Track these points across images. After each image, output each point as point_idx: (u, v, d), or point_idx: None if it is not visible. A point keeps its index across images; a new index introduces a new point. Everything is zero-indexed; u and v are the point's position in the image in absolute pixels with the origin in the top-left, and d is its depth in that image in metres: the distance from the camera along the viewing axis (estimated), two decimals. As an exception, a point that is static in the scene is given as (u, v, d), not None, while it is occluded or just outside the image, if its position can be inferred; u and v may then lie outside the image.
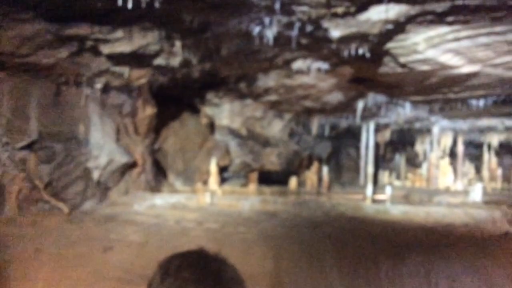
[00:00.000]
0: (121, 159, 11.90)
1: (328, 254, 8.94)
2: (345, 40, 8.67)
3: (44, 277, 7.47)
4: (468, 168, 21.68)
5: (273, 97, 14.22)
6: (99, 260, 8.15)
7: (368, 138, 17.55)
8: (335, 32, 8.31)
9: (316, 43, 9.24)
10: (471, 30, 8.25)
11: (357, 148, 19.14)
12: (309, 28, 8.28)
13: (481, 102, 13.46)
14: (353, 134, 19.24)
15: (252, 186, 15.61)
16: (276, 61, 10.85)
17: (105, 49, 9.37)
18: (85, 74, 10.46)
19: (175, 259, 1.07)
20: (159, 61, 10.29)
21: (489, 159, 21.15)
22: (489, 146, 20.75)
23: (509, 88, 11.63)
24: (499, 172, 21.36)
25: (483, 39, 8.60)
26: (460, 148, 20.04)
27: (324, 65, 10.88)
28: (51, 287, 7.31)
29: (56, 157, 10.42)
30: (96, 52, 9.52)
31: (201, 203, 12.36)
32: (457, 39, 8.67)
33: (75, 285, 7.33)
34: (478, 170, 21.92)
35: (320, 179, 17.59)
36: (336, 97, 13.95)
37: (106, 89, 11.63)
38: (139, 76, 11.21)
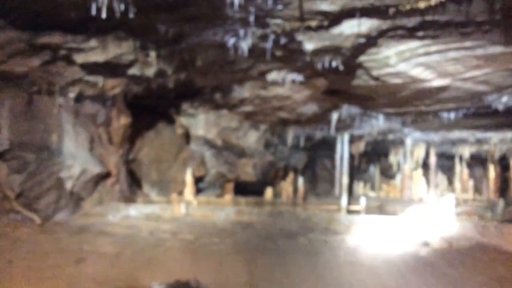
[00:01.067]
0: (95, 169, 11.78)
1: (303, 265, 8.98)
2: (318, 52, 8.80)
3: (14, 290, 7.31)
4: (440, 179, 22.06)
5: (248, 108, 14.27)
6: (72, 271, 8.02)
7: (343, 149, 17.73)
8: (309, 44, 8.44)
9: (290, 55, 9.34)
10: (441, 45, 8.48)
11: (332, 159, 19.30)
12: (283, 40, 8.38)
13: (452, 115, 13.75)
14: (328, 145, 19.41)
15: (228, 197, 15.58)
16: (251, 72, 10.92)
17: (79, 58, 9.31)
18: (58, 83, 10.37)
19: None
20: (133, 71, 10.26)
21: (461, 171, 21.57)
22: (461, 158, 21.17)
23: (479, 101, 11.93)
24: (470, 183, 21.79)
25: (453, 54, 8.84)
26: (433, 159, 20.40)
27: (299, 77, 11.00)
28: (21, 300, 7.16)
29: (28, 167, 10.26)
30: (69, 61, 9.45)
31: (176, 213, 12.29)
32: (427, 53, 8.89)
33: (45, 298, 7.19)
34: (450, 181, 22.33)
35: (295, 189, 17.66)
36: (311, 109, 14.08)
37: (79, 98, 11.53)
38: (113, 86, 11.15)
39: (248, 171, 16.36)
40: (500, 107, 12.04)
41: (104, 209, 11.81)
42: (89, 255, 8.65)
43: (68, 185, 11.10)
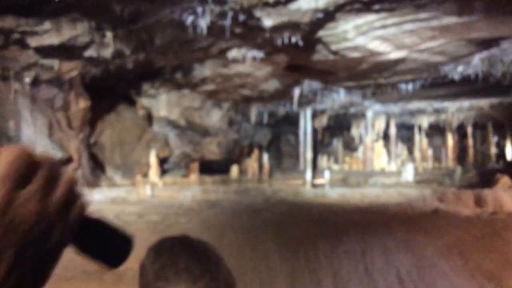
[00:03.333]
0: (56, 154, 11.54)
1: (269, 239, 9.13)
2: (277, 29, 8.82)
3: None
4: (401, 149, 22.65)
5: (210, 87, 14.22)
6: (36, 259, 7.91)
7: (306, 124, 17.93)
8: (268, 21, 8.44)
9: (249, 32, 9.33)
10: (397, 18, 8.63)
11: (296, 135, 19.51)
12: (242, 17, 8.35)
13: (410, 86, 14.07)
14: (292, 121, 19.58)
15: (194, 177, 15.59)
16: (211, 50, 10.86)
17: (33, 41, 9.04)
18: (12, 68, 10.06)
19: (166, 241, 1.15)
20: (90, 52, 10.04)
21: (420, 141, 22.19)
22: (420, 128, 21.76)
23: (435, 72, 12.24)
24: (430, 152, 22.47)
25: (409, 26, 9.02)
26: (393, 130, 20.89)
27: (259, 54, 11.01)
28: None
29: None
30: (23, 45, 9.16)
31: (142, 196, 12.24)
32: (384, 26, 9.04)
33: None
34: (410, 151, 22.95)
35: (261, 166, 17.83)
36: (272, 85, 14.14)
37: (36, 83, 11.21)
38: (70, 69, 10.89)
39: (212, 150, 16.38)
40: (456, 77, 12.39)
41: (68, 195, 11.63)
42: (54, 241, 8.54)
43: (29, 172, 10.87)
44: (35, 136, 11.13)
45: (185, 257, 1.08)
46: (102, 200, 11.60)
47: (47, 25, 8.52)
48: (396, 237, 9.41)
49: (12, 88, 10.63)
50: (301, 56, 11.02)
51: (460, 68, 11.90)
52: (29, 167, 0.45)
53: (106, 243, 0.55)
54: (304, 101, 16.09)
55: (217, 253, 1.15)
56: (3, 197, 0.43)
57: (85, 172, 12.92)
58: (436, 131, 23.10)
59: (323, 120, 19.47)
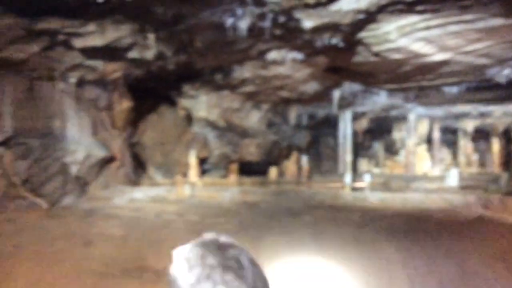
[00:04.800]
0: (99, 153, 11.85)
1: (307, 243, 9.06)
2: (318, 30, 8.76)
3: (24, 274, 7.43)
4: (444, 154, 22.05)
5: (249, 88, 14.26)
6: (80, 255, 8.13)
7: (346, 127, 17.72)
8: (308, 22, 8.39)
9: (289, 34, 9.30)
10: (441, 19, 8.42)
11: (336, 137, 19.30)
12: (281, 19, 8.34)
13: (455, 89, 13.69)
14: (331, 123, 19.39)
15: (232, 177, 15.67)
16: (250, 52, 10.88)
17: (78, 43, 9.30)
18: (58, 68, 10.38)
19: (195, 249, 1.10)
20: (133, 54, 10.25)
21: (465, 145, 21.55)
22: (465, 132, 21.13)
23: (480, 75, 11.87)
24: (474, 157, 21.78)
25: (453, 27, 8.78)
26: (436, 134, 20.37)
27: (299, 55, 10.96)
28: (32, 283, 7.28)
29: (33, 153, 10.33)
30: (68, 46, 9.44)
31: (181, 195, 12.39)
32: (427, 28, 8.83)
33: (56, 281, 7.32)
34: (454, 155, 22.32)
35: (299, 168, 17.73)
36: (312, 87, 14.05)
37: (80, 83, 11.54)
38: (114, 70, 11.15)
39: (251, 151, 16.42)
40: (502, 80, 11.97)
41: (110, 193, 11.92)
42: (96, 238, 8.76)
43: (73, 170, 11.19)
44: (79, 135, 11.45)
45: (220, 269, 1.04)
46: (143, 198, 11.81)
47: (91, 26, 8.75)
48: (439, 244, 9.17)
49: (58, 88, 10.97)
50: (341, 57, 10.90)
51: (506, 71, 11.50)
52: None
53: None
54: (344, 103, 15.91)
55: (249, 256, 1.12)
56: None
57: (127, 170, 13.20)
58: (481, 135, 22.38)
59: (364, 123, 19.19)
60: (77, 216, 10.16)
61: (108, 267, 7.81)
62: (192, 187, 12.85)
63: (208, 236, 1.13)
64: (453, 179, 15.43)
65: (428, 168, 19.99)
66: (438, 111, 18.40)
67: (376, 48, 9.80)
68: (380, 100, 15.38)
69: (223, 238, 1.13)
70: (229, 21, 8.42)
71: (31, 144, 10.35)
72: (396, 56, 10.21)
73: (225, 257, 1.06)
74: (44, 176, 10.60)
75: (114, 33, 9.09)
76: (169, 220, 10.31)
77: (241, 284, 1.01)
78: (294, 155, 18.28)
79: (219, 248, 1.09)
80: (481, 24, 8.49)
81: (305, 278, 7.67)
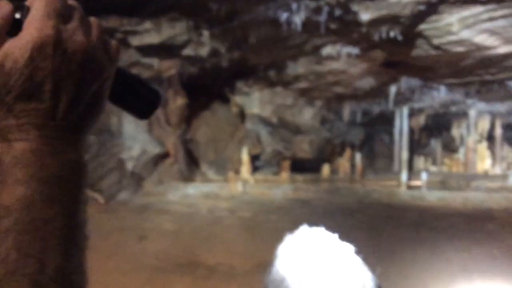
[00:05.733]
0: (154, 149, 12.05)
1: (363, 241, 8.83)
2: (375, 23, 8.49)
3: (81, 267, 7.63)
4: (507, 151, 20.99)
5: (303, 84, 14.08)
6: (135, 249, 8.28)
7: (402, 124, 17.20)
8: (365, 15, 8.14)
9: (345, 28, 9.07)
10: (507, 9, 7.95)
11: (391, 134, 18.79)
12: (337, 12, 8.13)
13: (520, 83, 12.98)
14: (386, 120, 18.87)
15: (284, 174, 15.54)
16: (305, 47, 10.72)
17: (134, 41, 9.46)
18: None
19: (301, 246, 1.03)
20: (187, 51, 10.33)
21: (529, 142, 20.46)
22: (529, 129, 20.06)
23: (549, 67, 11.18)
24: (540, 155, 20.64)
25: (520, 18, 8.29)
26: (498, 131, 19.41)
27: (354, 50, 10.68)
28: (88, 276, 7.47)
29: (90, 149, 10.61)
30: (125, 44, 9.62)
31: (233, 191, 12.41)
32: (492, 19, 8.37)
33: (111, 274, 7.47)
34: (517, 153, 21.22)
35: (353, 166, 17.35)
36: (367, 82, 13.70)
37: (137, 81, 11.76)
38: (169, 67, 11.28)
39: (304, 148, 16.24)
40: None
41: (164, 189, 12.10)
42: (151, 233, 8.90)
43: (129, 165, 11.43)
44: (135, 131, 11.68)
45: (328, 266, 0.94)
46: (196, 194, 11.92)
47: (147, 24, 8.88)
48: (502, 246, 8.70)
49: (116, 86, 11.22)
50: (399, 51, 10.54)
51: None
52: (66, 6, 0.47)
53: (137, 95, 0.55)
54: (401, 99, 15.43)
55: (359, 260, 1.01)
56: (53, 28, 0.45)
57: (181, 167, 13.36)
58: (547, 132, 21.19)
59: (421, 119, 18.56)
60: (132, 211, 10.37)
61: (161, 262, 7.91)
62: (244, 184, 12.84)
63: (311, 230, 1.06)
64: (517, 178, 14.67)
65: (489, 166, 19.11)
66: (501, 107, 17.53)
67: (436, 41, 9.40)
68: (439, 95, 14.81)
69: (326, 233, 1.05)
70: (283, 16, 8.31)
71: (89, 140, 10.61)
72: (458, 49, 9.76)
73: (330, 254, 0.98)
74: (101, 171, 10.88)
75: (169, 30, 9.19)
76: (221, 216, 10.34)
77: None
78: (347, 152, 17.92)
79: (324, 244, 1.01)
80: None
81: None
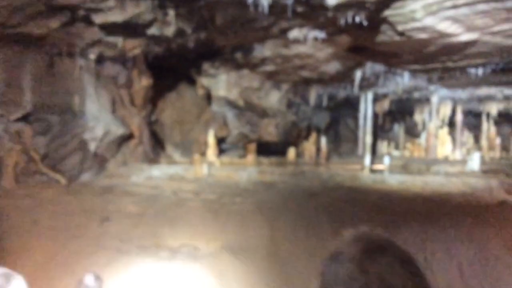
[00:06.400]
0: (118, 130, 11.87)
1: (324, 224, 8.98)
2: (341, 7, 8.51)
3: (42, 248, 7.52)
4: (466, 137, 21.62)
5: (269, 67, 14.07)
6: (97, 231, 8.20)
7: (367, 108, 17.44)
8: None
9: (312, 11, 9.07)
10: (470, -3, 8.10)
11: (356, 119, 19.04)
12: (304, -5, 8.12)
13: (480, 71, 13.29)
14: (352, 104, 19.11)
15: (250, 157, 15.59)
16: (272, 30, 10.68)
17: (98, 18, 9.22)
18: (78, 44, 10.34)
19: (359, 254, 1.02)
20: (152, 30, 10.14)
21: (488, 129, 21.08)
22: (488, 116, 20.65)
23: (508, 56, 11.48)
24: (497, 141, 21.32)
25: (482, 6, 8.44)
26: (459, 117, 19.93)
27: (321, 34, 10.72)
28: (49, 258, 7.37)
29: (52, 129, 10.38)
30: (88, 22, 9.37)
31: (199, 174, 12.38)
32: (455, 6, 8.50)
33: (73, 256, 7.38)
34: (476, 139, 21.87)
35: (318, 149, 17.55)
36: (333, 67, 13.80)
37: (100, 60, 11.50)
38: (133, 47, 11.07)
39: (270, 131, 16.30)
40: (531, 62, 11.59)
41: (128, 170, 11.97)
42: (114, 215, 8.81)
43: (92, 146, 11.24)
44: (99, 111, 11.46)
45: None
46: (161, 176, 11.84)
47: (111, 2, 8.66)
48: (459, 229, 9.00)
49: (78, 65, 10.95)
50: (364, 37, 10.63)
51: (535, 53, 11.10)
52: None
53: None
54: (366, 84, 15.62)
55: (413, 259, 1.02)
56: None
57: (146, 148, 13.22)
58: (505, 119, 21.87)
59: (385, 105, 18.85)
60: (95, 192, 10.23)
61: (124, 243, 7.86)
62: (210, 166, 12.82)
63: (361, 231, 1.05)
64: (475, 163, 15.12)
65: (449, 151, 19.65)
66: (462, 94, 17.96)
67: (401, 27, 9.51)
68: (402, 81, 15.05)
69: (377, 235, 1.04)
70: (250, -3, 8.24)
71: (51, 120, 10.39)
72: (422, 35, 9.90)
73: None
74: (63, 152, 10.66)
75: (134, 8, 8.99)
76: (185, 198, 10.31)
77: None
78: (313, 136, 18.09)
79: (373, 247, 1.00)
80: (511, 3, 8.15)
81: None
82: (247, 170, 13.00)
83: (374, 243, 1.02)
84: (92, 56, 11.12)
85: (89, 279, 5.92)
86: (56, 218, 8.46)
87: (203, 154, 14.65)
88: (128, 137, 12.50)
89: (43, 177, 10.26)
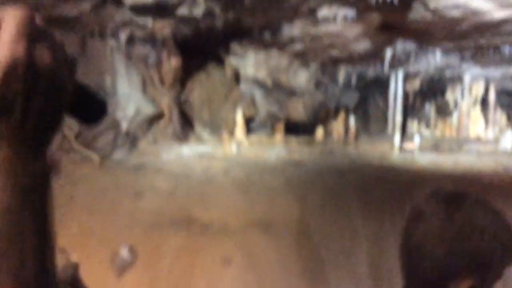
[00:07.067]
0: (148, 110, 12.08)
1: (353, 201, 9.02)
2: (372, -16, 8.41)
3: (78, 223, 7.80)
4: (499, 116, 21.13)
5: (298, 47, 13.99)
6: (131, 206, 8.44)
7: (397, 87, 17.23)
8: (362, -25, 8.06)
9: (341, -12, 8.99)
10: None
11: (385, 98, 18.83)
12: (334, -28, 8.04)
13: (514, 49, 12.98)
14: (381, 84, 18.87)
15: (278, 137, 15.65)
16: (301, 9, 10.62)
17: (128, 0, 9.34)
18: (109, 25, 10.50)
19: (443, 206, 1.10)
20: (182, 11, 10.21)
21: (522, 107, 20.58)
22: (523, 94, 20.14)
23: (544, 32, 11.16)
24: (532, 120, 20.81)
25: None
26: (492, 96, 19.49)
27: (351, 13, 10.60)
28: (85, 231, 7.65)
29: (85, 108, 10.63)
30: (119, 3, 9.51)
31: (228, 153, 12.53)
32: (489, -19, 8.32)
33: (108, 230, 7.65)
34: (509, 118, 21.36)
35: (346, 129, 17.48)
36: (363, 46, 13.63)
37: (130, 40, 11.67)
38: (163, 27, 11.18)
39: (298, 111, 16.29)
40: None
41: (159, 149, 12.20)
42: (146, 191, 9.04)
43: (124, 125, 11.49)
44: (129, 91, 11.68)
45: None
46: (190, 155, 12.04)
47: (141, -18, 8.77)
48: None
49: (109, 45, 11.15)
50: (395, 15, 10.47)
51: None
52: (35, 27, 0.54)
53: (84, 103, 0.62)
54: (396, 63, 15.39)
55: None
56: (24, 49, 0.51)
57: (176, 128, 13.42)
58: (540, 98, 21.27)
59: (416, 83, 18.57)
60: (127, 170, 10.49)
61: (156, 218, 8.08)
62: (239, 146, 12.95)
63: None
64: (508, 142, 14.85)
65: (481, 130, 19.29)
66: (495, 72, 17.54)
67: (433, 5, 9.34)
68: (434, 59, 14.78)
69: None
70: (279, -25, 8.21)
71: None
72: (454, 13, 9.72)
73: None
74: (96, 130, 10.93)
75: (163, -12, 9.08)
76: (215, 176, 10.49)
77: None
78: (341, 116, 18.01)
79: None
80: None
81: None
82: (276, 149, 13.09)
83: (452, 194, 1.10)
84: (123, 37, 11.29)
85: (124, 251, 6.17)
86: (91, 194, 8.74)
87: (231, 133, 14.77)
88: (158, 117, 12.70)
89: (77, 155, 10.56)
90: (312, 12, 10.87)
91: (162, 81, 12.95)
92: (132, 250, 4.63)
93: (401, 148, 14.39)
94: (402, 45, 13.57)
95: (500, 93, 20.64)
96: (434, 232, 1.09)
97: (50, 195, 0.55)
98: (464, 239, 1.06)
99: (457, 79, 18.76)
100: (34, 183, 0.53)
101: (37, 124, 0.52)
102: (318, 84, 17.40)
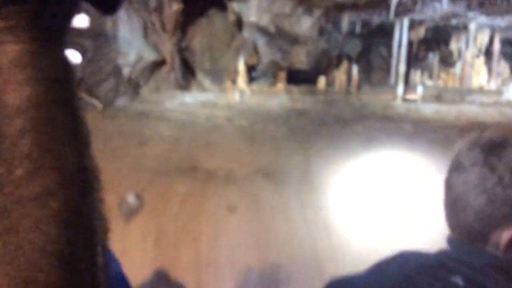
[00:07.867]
0: (150, 56, 11.88)
1: (358, 150, 9.02)
2: None
3: (83, 169, 7.79)
4: (503, 67, 20.89)
5: (302, -8, 13.63)
6: (136, 153, 8.43)
7: (402, 36, 16.90)
8: None
9: None
10: None
11: (389, 47, 18.50)
12: None
13: (524, -4, 12.66)
14: (386, 32, 18.48)
15: (281, 85, 15.48)
16: (307, -50, 10.25)
17: None
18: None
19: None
20: (184, -48, 9.86)
21: (526, 58, 20.31)
22: (528, 45, 19.84)
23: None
24: (536, 71, 20.60)
25: None
26: (497, 46, 19.18)
27: (359, -45, 10.25)
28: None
29: (86, 54, 10.44)
30: None
31: (231, 101, 12.44)
32: None
33: (114, 176, 7.66)
34: (513, 69, 21.15)
35: (349, 78, 17.28)
36: (369, -9, 13.28)
37: (130, -17, 11.33)
38: (164, -31, 10.83)
39: (301, 59, 16.05)
40: None
41: (161, 96, 12.09)
42: (150, 138, 9.02)
43: (126, 72, 11.32)
44: (131, 37, 11.43)
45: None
46: (193, 103, 11.95)
47: None
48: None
49: (110, -12, 10.81)
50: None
51: None
52: None
53: None
54: (402, 10, 15.03)
55: None
56: None
57: (177, 75, 13.25)
58: (545, 49, 20.97)
59: (421, 32, 18.20)
60: (130, 117, 10.43)
61: (162, 165, 8.09)
62: (241, 94, 12.83)
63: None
64: (511, 93, 14.76)
65: (484, 81, 19.12)
66: (501, 21, 17.19)
67: None
68: (441, 7, 14.44)
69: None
70: None
71: (85, 44, 10.42)
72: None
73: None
74: (98, 77, 10.79)
75: None
76: (219, 124, 10.45)
77: None
78: (344, 65, 17.75)
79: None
80: None
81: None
82: (278, 98, 12.99)
83: (492, 142, 1.06)
84: (123, -21, 10.94)
85: (131, 198, 6.20)
86: (95, 141, 8.51)
87: (233, 82, 14.61)
88: (160, 64, 12.51)
89: (80, 102, 10.44)
90: (319, -45, 10.51)
91: (163, 27, 12.66)
92: (138, 197, 4.64)
93: (404, 98, 14.29)
94: (409, -9, 13.23)
95: (505, 44, 20.33)
96: (475, 182, 1.06)
97: (76, 88, 0.53)
98: (505, 188, 1.03)
99: (463, 28, 18.40)
100: (62, 75, 0.50)
101: (55, 10, 0.49)
102: (321, 32, 17.05)
